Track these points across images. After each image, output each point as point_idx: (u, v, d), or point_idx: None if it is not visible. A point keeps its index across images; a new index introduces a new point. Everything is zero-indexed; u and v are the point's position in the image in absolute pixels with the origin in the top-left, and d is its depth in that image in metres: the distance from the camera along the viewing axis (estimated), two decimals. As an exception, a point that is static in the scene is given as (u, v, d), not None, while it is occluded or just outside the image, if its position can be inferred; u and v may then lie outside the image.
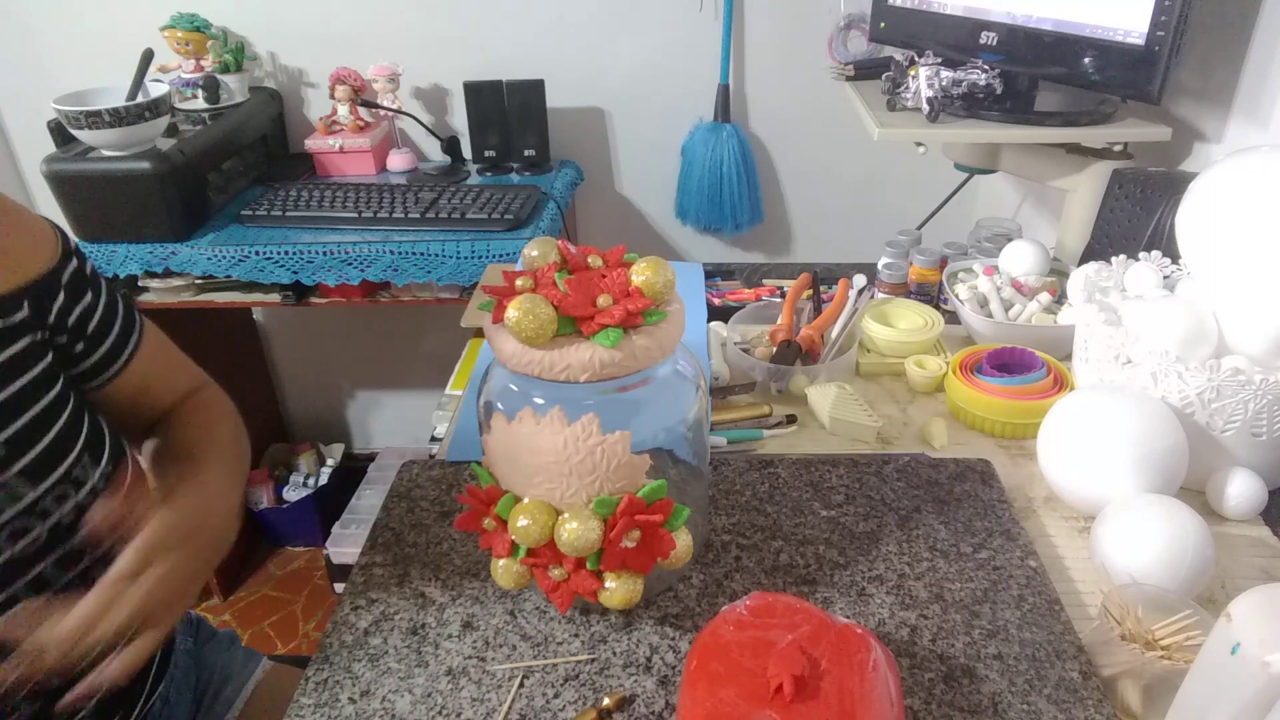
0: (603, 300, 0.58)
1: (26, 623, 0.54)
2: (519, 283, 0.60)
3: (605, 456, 0.58)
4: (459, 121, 1.85)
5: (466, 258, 1.50)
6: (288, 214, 1.57)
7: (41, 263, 0.66)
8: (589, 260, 0.62)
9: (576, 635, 0.66)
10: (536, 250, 0.62)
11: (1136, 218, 1.04)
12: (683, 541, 0.61)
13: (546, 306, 0.57)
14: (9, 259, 0.64)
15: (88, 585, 0.59)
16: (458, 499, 0.65)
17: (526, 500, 0.61)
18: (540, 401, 0.60)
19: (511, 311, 0.56)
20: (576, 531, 0.58)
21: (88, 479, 0.65)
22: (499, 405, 0.62)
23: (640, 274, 0.59)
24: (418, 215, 1.53)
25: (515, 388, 0.62)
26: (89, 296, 0.69)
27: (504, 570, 0.64)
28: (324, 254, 1.51)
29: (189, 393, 0.80)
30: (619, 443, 0.58)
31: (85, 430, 0.66)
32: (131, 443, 0.76)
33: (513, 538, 0.61)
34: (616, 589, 0.60)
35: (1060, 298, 1.05)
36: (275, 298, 1.62)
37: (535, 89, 1.70)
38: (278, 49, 1.83)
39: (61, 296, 0.66)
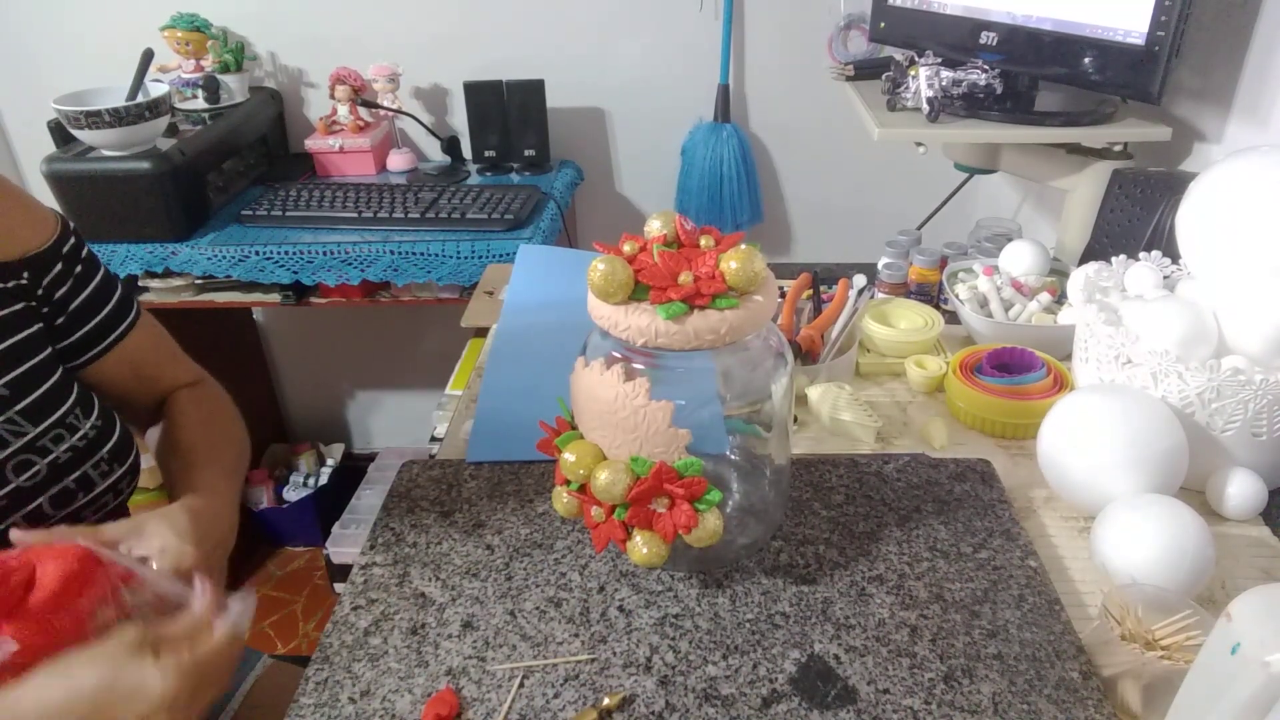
0: (683, 277, 0.61)
1: None
2: (625, 247, 0.64)
3: (646, 420, 0.61)
4: (459, 121, 1.85)
5: (466, 258, 1.50)
6: (288, 214, 1.57)
7: (42, 238, 0.71)
8: (701, 240, 0.64)
9: (576, 635, 0.66)
10: (659, 221, 0.65)
11: (1136, 218, 1.04)
12: (710, 524, 0.62)
13: (625, 269, 0.61)
14: (9, 233, 0.69)
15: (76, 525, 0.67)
16: (540, 425, 0.69)
17: (582, 440, 0.66)
18: (615, 354, 0.64)
19: (598, 265, 0.61)
20: (605, 480, 0.62)
21: (80, 426, 0.70)
22: (586, 348, 0.67)
23: (728, 260, 0.61)
24: (418, 215, 1.53)
25: (602, 337, 0.66)
26: (80, 270, 0.74)
27: (556, 496, 0.68)
28: (324, 254, 1.51)
29: (187, 385, 0.83)
30: (660, 410, 0.61)
31: (75, 391, 0.71)
32: (132, 426, 0.78)
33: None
34: (641, 545, 0.63)
35: (1060, 298, 1.05)
36: (275, 298, 1.62)
37: (535, 89, 1.70)
38: (278, 49, 1.83)
39: (59, 266, 0.72)
